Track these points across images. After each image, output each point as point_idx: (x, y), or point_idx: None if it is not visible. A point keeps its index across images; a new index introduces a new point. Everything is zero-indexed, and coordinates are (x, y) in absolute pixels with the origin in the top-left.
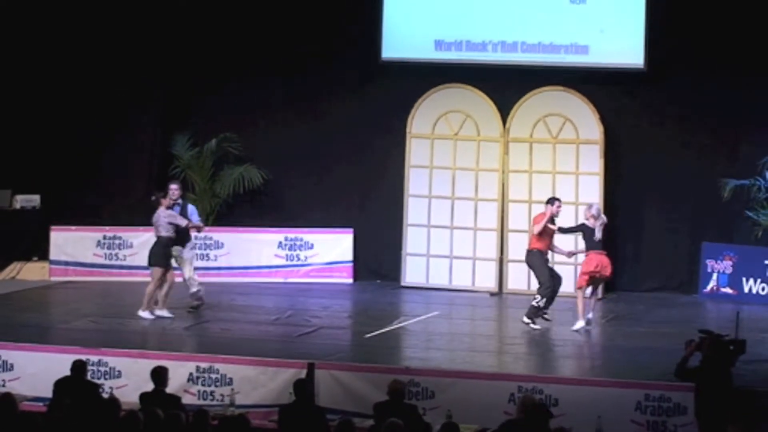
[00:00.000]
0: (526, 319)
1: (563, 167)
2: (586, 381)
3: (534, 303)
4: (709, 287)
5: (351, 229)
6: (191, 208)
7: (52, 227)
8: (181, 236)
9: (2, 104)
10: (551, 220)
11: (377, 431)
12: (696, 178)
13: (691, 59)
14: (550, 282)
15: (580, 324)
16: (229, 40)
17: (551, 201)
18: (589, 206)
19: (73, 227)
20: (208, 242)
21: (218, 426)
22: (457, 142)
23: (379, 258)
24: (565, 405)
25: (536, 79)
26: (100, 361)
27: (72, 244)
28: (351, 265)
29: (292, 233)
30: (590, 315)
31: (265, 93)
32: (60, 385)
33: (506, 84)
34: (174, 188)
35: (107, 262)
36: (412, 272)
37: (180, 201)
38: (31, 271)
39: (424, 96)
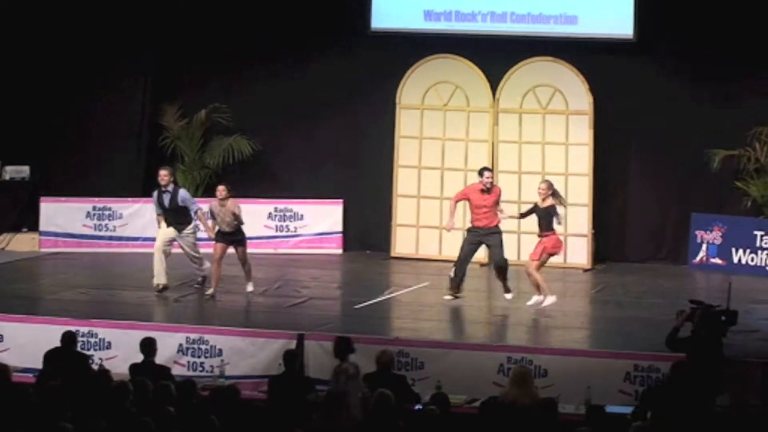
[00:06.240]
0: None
1: (553, 138)
2: (575, 351)
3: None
4: (698, 258)
5: (341, 200)
6: (183, 194)
7: (42, 198)
8: (177, 218)
9: None
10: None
11: (367, 402)
12: (685, 148)
13: (680, 29)
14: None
15: (551, 299)
16: (218, 10)
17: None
18: (546, 183)
19: (63, 198)
20: None
21: (208, 397)
22: (447, 113)
23: (368, 229)
24: (555, 375)
25: (525, 49)
26: (90, 332)
27: (62, 215)
28: (341, 235)
29: (282, 204)
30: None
31: (255, 64)
32: (50, 356)
33: (495, 54)
34: (162, 174)
35: (97, 233)
36: (402, 243)
37: (170, 187)
38: (21, 243)
39: (413, 67)
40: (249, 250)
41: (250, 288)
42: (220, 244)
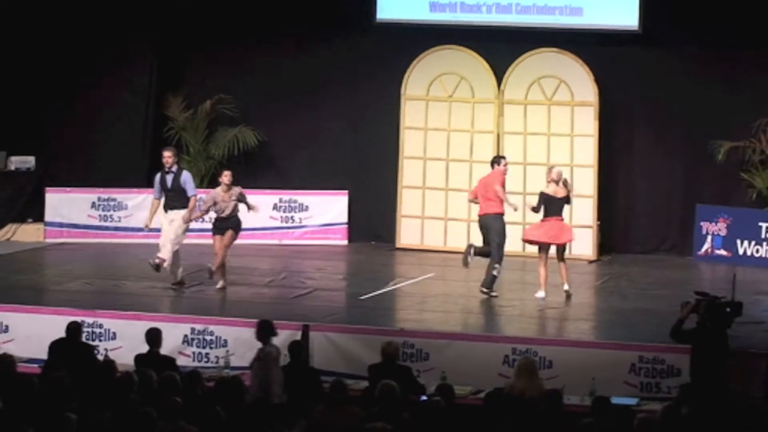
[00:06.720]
0: (485, 289)
1: (558, 129)
2: (580, 343)
3: (495, 273)
4: (703, 249)
5: (346, 191)
6: (186, 176)
7: (47, 189)
8: (178, 200)
9: None
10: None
11: (372, 393)
12: (690, 139)
13: (685, 21)
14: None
15: (540, 293)
16: (222, 1)
17: (499, 160)
18: (549, 169)
19: (68, 189)
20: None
21: (213, 387)
22: (452, 104)
23: (373, 220)
24: (560, 366)
25: (530, 40)
26: (95, 322)
27: (67, 205)
28: (346, 226)
29: (287, 195)
30: (566, 287)
31: (260, 55)
32: (55, 346)
33: (501, 46)
34: (167, 155)
35: (102, 223)
36: (407, 234)
37: (174, 168)
38: (26, 233)
39: (418, 58)
40: (254, 241)
41: (220, 284)
42: (218, 236)
